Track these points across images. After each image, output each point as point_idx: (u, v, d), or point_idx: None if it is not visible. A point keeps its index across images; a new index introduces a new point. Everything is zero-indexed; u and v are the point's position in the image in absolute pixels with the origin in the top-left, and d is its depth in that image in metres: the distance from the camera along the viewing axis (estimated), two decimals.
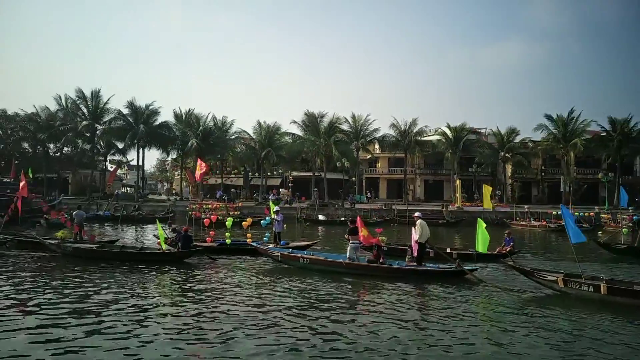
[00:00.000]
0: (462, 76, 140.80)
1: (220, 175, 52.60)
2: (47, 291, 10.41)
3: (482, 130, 53.72)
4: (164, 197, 58.09)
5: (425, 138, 48.17)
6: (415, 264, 13.12)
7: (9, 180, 38.68)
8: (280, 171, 54.30)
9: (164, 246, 14.71)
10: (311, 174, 47.22)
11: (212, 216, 20.84)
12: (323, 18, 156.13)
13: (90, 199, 41.65)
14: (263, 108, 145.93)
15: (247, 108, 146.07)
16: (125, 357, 6.60)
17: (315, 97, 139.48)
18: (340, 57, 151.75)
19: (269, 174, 50.25)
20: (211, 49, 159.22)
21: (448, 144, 46.56)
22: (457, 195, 38.50)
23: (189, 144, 43.05)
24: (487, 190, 24.34)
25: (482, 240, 13.26)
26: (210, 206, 33.34)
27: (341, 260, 13.20)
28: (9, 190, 31.56)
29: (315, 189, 43.72)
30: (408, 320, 8.59)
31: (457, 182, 38.54)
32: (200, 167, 22.52)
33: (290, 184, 48.05)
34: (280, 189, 47.42)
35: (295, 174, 51.18)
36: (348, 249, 13.26)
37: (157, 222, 15.76)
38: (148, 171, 77.55)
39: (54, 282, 11.46)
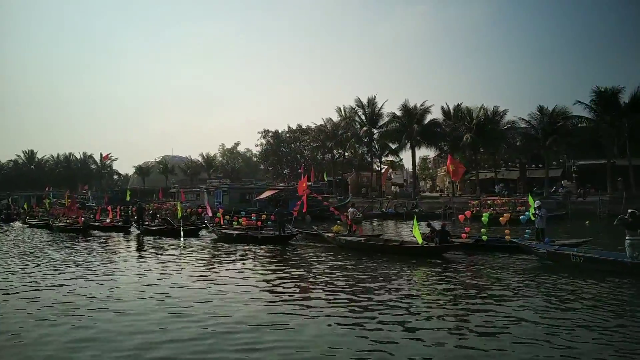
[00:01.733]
0: None
1: (493, 168, 50.74)
2: (326, 277, 12.02)
3: None
4: (427, 194, 59.78)
5: None
6: None
7: (310, 183, 46.03)
8: (560, 161, 48.82)
9: (420, 241, 15.06)
10: (605, 161, 40.63)
11: (467, 212, 19.99)
12: None
13: (372, 198, 46.13)
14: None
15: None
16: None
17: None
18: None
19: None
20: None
21: None
22: None
23: (464, 138, 42.69)
24: None
25: None
26: (495, 202, 32.21)
27: (625, 260, 11.42)
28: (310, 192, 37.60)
29: (619, 178, 37.44)
30: None
31: None
32: (455, 166, 21.62)
33: (574, 175, 42.63)
34: (563, 181, 42.63)
35: (580, 162, 45.05)
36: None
37: (414, 218, 16.04)
38: (410, 170, 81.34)
39: (332, 269, 13.19)
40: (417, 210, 38.00)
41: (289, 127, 69.57)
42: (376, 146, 53.15)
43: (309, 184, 36.97)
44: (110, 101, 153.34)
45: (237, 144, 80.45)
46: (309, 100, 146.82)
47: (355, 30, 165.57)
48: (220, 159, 78.75)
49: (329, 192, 45.13)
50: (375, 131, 50.96)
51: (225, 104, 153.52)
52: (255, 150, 74.27)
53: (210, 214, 25.99)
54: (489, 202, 32.37)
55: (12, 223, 37.49)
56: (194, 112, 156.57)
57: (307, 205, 22.40)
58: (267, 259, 15.52)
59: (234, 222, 24.53)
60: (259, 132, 70.78)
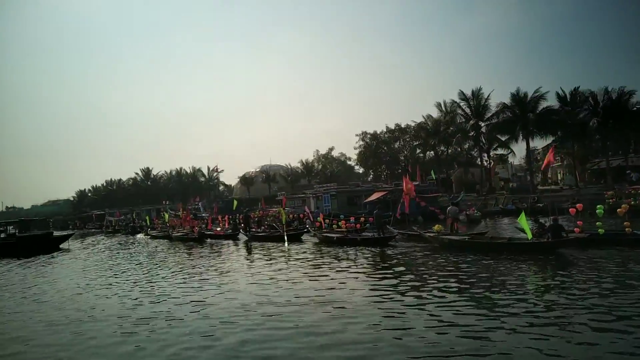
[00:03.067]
0: None
1: (622, 155, 45.28)
2: (431, 277, 11.80)
3: None
4: (540, 187, 55.28)
5: None
6: None
7: (417, 183, 44.65)
8: None
9: (530, 236, 14.61)
10: None
11: (579, 204, 18.42)
12: None
13: (484, 194, 43.72)
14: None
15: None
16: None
17: None
18: None
19: None
20: None
21: None
22: None
23: (590, 123, 38.63)
24: None
25: None
26: None
27: None
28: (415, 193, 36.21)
29: None
30: None
31: None
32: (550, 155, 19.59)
33: None
34: None
35: None
36: None
37: (522, 213, 15.06)
38: (516, 163, 75.95)
39: (434, 269, 13.01)
40: (540, 204, 35.07)
41: (387, 127, 68.98)
42: (484, 140, 50.25)
43: (416, 183, 36.02)
44: (208, 115, 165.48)
45: (331, 149, 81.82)
46: (403, 99, 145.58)
47: (446, 23, 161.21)
48: (316, 164, 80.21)
49: (437, 191, 43.47)
50: (482, 124, 48.29)
51: (314, 108, 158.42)
52: (354, 152, 74.43)
53: (311, 219, 27.05)
54: (632, 192, 29.03)
55: (136, 235, 41.65)
56: (289, 118, 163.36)
57: (412, 206, 21.94)
58: (369, 260, 15.87)
59: (333, 226, 25.30)
60: (357, 135, 71.06)
